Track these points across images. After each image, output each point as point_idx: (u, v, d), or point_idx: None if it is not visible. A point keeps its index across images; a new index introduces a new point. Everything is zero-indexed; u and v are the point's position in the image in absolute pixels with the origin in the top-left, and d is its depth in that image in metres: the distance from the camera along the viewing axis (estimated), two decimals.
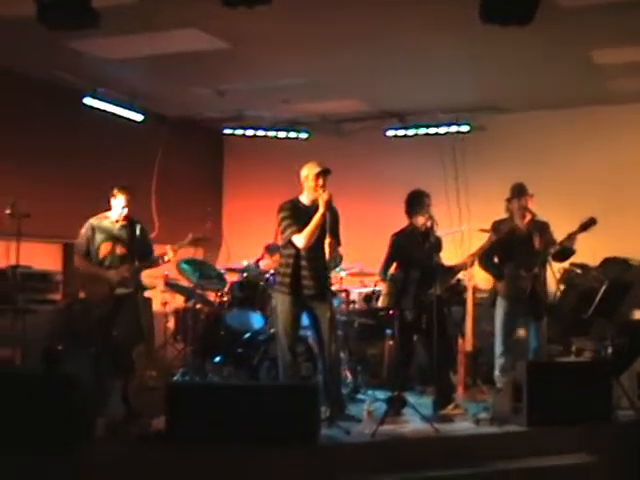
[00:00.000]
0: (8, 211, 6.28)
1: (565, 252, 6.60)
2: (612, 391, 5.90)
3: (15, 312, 6.56)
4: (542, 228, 6.74)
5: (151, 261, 6.49)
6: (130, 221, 6.43)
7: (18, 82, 7.93)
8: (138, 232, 6.46)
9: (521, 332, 6.97)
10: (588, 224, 6.41)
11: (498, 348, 6.75)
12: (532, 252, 6.64)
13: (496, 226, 6.77)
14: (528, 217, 6.76)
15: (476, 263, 6.76)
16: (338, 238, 5.94)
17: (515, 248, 6.70)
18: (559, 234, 6.62)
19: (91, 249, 6.35)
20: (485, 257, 6.74)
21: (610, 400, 5.87)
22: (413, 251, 6.30)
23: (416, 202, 6.41)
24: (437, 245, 6.40)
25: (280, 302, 5.93)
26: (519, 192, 6.73)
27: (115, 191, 6.37)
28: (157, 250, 6.57)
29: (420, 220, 6.34)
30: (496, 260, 6.82)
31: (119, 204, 6.36)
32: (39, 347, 6.97)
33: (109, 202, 6.40)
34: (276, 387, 5.64)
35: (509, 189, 6.81)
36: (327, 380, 5.89)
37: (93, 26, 5.44)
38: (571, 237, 6.44)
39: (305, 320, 6.03)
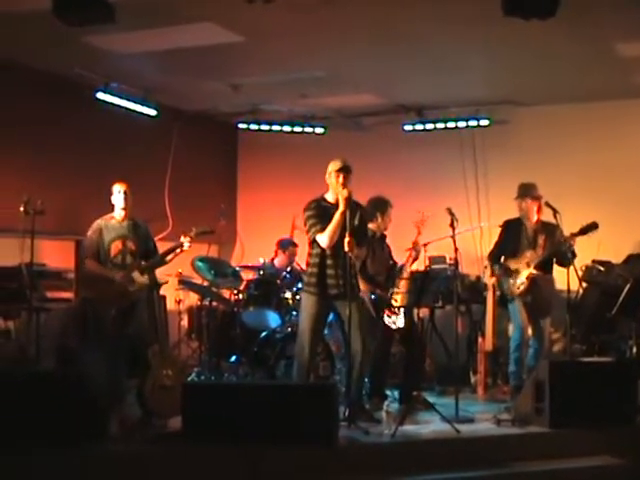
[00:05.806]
0: (22, 208, 6.21)
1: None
2: (637, 392, 5.81)
3: (29, 310, 6.48)
4: (550, 230, 6.65)
5: (158, 260, 6.41)
6: (134, 221, 6.43)
7: (32, 78, 7.86)
8: (143, 231, 6.45)
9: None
10: (588, 228, 6.30)
11: (514, 342, 6.73)
12: (536, 252, 6.63)
13: (506, 225, 6.78)
14: (537, 218, 6.69)
15: (487, 263, 6.85)
16: (363, 236, 5.87)
17: (522, 247, 6.68)
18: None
19: (101, 250, 6.31)
20: (494, 256, 6.73)
21: (635, 401, 5.79)
22: None
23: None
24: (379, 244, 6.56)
25: (306, 302, 5.84)
26: (523, 193, 6.71)
27: (112, 189, 6.40)
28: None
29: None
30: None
31: (117, 193, 6.35)
32: (53, 345, 6.97)
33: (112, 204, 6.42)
34: (294, 387, 5.58)
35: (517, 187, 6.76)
36: (348, 381, 5.79)
37: (109, 21, 5.43)
38: (568, 239, 6.32)
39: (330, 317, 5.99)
